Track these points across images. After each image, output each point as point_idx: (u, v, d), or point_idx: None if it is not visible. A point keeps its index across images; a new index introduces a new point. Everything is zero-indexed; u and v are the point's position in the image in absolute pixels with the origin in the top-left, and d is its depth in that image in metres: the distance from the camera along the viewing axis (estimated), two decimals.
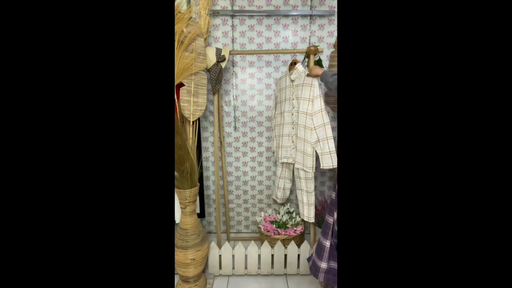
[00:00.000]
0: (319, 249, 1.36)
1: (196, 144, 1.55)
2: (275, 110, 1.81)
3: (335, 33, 1.84)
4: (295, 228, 1.78)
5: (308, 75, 1.53)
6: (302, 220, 1.87)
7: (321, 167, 1.47)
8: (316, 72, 1.47)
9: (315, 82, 1.49)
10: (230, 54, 1.64)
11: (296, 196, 1.95)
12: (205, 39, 1.60)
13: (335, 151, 1.46)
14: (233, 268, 1.74)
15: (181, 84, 1.51)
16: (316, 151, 1.52)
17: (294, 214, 1.89)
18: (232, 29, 1.84)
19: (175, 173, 1.41)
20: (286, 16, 1.82)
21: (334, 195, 1.32)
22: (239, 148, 2.02)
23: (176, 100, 1.52)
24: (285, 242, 1.73)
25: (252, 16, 1.83)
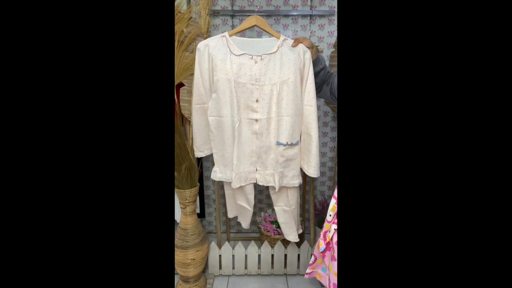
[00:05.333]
0: None
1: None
2: None
3: (335, 33, 1.84)
4: None
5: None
6: (302, 220, 1.87)
7: None
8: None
9: None
10: None
11: None
12: (205, 39, 1.60)
13: None
14: (233, 268, 1.74)
15: (181, 84, 1.51)
16: None
17: None
18: (232, 29, 1.84)
19: (176, 172, 1.41)
20: (286, 16, 1.82)
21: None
22: None
23: (176, 100, 1.52)
24: (285, 242, 1.73)
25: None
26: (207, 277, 1.71)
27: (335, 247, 1.10)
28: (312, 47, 1.27)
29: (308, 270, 1.33)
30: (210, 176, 2.05)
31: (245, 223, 1.57)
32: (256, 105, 1.27)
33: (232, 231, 2.16)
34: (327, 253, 1.19)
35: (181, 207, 1.49)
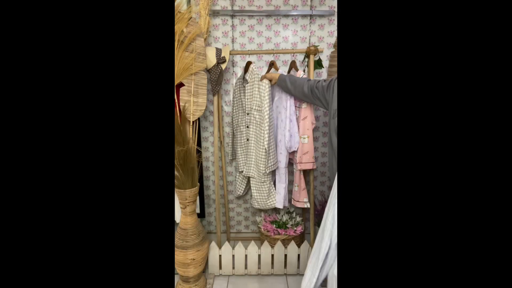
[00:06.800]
0: None
1: (196, 144, 1.55)
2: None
3: (335, 33, 1.84)
4: (295, 228, 1.78)
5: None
6: (302, 220, 1.87)
7: None
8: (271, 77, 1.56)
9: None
10: (230, 54, 1.64)
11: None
12: (205, 39, 1.60)
13: None
14: (233, 268, 1.74)
15: (181, 84, 1.51)
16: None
17: (294, 214, 1.89)
18: (232, 29, 1.84)
19: (176, 172, 1.41)
20: (286, 16, 1.82)
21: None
22: None
23: (176, 100, 1.52)
24: (285, 242, 1.73)
25: (252, 16, 1.83)
26: (207, 277, 1.71)
27: None
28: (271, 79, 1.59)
29: None
30: (210, 176, 2.06)
31: None
32: None
33: (232, 231, 2.16)
34: None
35: (181, 207, 1.49)
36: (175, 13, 1.41)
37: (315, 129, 1.83)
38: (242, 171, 1.81)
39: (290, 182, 2.06)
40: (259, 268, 1.74)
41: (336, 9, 1.80)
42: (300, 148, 1.60)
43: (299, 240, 1.79)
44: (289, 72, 1.74)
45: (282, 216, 1.87)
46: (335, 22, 1.82)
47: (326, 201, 1.92)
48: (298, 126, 1.60)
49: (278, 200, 1.72)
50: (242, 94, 1.72)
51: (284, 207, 1.75)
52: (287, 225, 1.81)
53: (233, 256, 1.72)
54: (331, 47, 1.86)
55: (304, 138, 1.58)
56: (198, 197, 1.59)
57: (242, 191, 1.91)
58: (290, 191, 2.06)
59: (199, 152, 1.84)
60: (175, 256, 1.48)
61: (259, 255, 1.72)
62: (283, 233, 1.76)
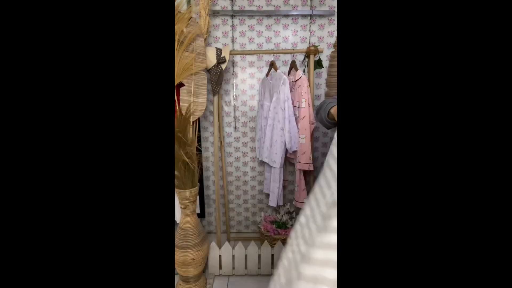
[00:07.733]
0: None
1: (196, 144, 1.55)
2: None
3: (335, 33, 1.84)
4: None
5: None
6: None
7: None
8: None
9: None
10: (230, 54, 1.64)
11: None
12: (205, 39, 1.60)
13: None
14: (233, 268, 1.74)
15: (181, 84, 1.51)
16: None
17: (294, 214, 1.89)
18: (232, 29, 1.84)
19: (176, 172, 1.41)
20: (286, 16, 1.82)
21: None
22: (239, 148, 2.02)
23: (176, 100, 1.52)
24: (285, 242, 1.73)
25: (252, 16, 1.83)
26: (207, 277, 1.71)
27: None
28: None
29: None
30: (210, 176, 2.06)
31: None
32: None
33: (232, 231, 2.16)
34: None
35: (181, 207, 1.49)
36: (175, 13, 1.41)
37: (315, 129, 1.83)
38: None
39: (292, 182, 2.06)
40: (259, 268, 1.74)
41: (336, 9, 1.80)
42: (299, 148, 1.60)
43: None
44: (289, 72, 1.74)
45: (282, 216, 1.87)
46: (335, 22, 1.82)
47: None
48: (298, 126, 1.60)
49: (272, 199, 1.73)
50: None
51: (278, 205, 1.75)
52: (287, 225, 1.81)
53: (233, 256, 1.72)
54: (331, 47, 1.86)
55: (302, 138, 1.58)
56: (198, 197, 1.59)
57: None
58: (292, 191, 2.07)
59: (199, 151, 1.84)
60: (175, 256, 1.48)
61: (259, 255, 1.72)
62: (283, 233, 1.76)
